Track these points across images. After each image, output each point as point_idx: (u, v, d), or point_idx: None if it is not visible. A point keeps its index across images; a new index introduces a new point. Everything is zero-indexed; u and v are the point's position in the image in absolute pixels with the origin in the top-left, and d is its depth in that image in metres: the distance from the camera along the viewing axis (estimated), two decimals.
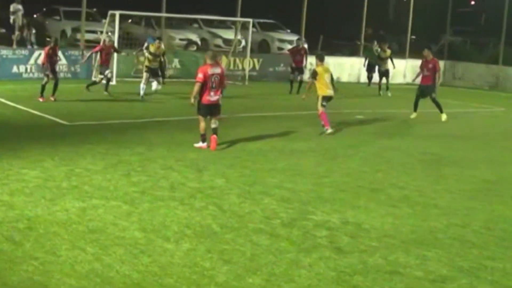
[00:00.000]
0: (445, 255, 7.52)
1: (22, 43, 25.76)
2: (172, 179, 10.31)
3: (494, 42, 35.86)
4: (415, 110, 19.06)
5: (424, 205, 9.68)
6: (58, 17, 29.96)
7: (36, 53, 23.54)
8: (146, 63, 20.00)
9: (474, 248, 7.82)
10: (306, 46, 26.22)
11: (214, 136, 12.69)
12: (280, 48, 31.47)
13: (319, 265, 6.99)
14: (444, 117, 18.62)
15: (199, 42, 30.26)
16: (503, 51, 32.79)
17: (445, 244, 7.91)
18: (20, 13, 26.37)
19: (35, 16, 30.90)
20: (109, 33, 22.52)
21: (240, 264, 6.89)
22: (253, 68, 28.23)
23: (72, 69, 24.43)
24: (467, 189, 10.83)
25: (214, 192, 9.71)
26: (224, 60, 25.82)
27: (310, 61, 24.94)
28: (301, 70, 24.55)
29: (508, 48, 33.11)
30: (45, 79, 18.27)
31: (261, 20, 31.72)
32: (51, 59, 18.44)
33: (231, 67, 27.12)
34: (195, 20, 32.03)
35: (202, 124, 12.83)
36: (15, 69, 23.28)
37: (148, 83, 19.99)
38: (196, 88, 12.58)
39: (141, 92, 19.59)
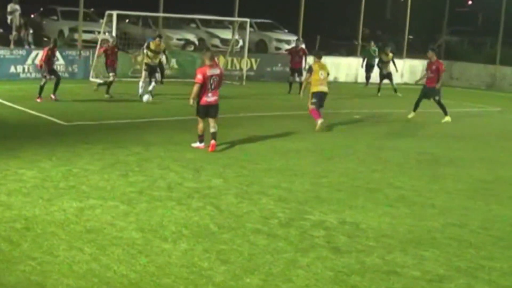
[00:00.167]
0: (442, 255, 7.53)
1: (19, 43, 25.73)
2: (169, 179, 10.31)
3: (491, 42, 35.95)
4: (414, 110, 19.04)
5: (421, 205, 9.69)
6: (55, 17, 29.92)
7: (33, 53, 23.55)
8: (146, 60, 19.93)
9: (471, 248, 7.84)
10: (303, 46, 26.21)
11: (213, 142, 12.61)
12: (277, 48, 31.47)
13: (317, 265, 6.99)
14: (447, 119, 18.64)
15: (196, 42, 30.26)
16: (500, 51, 32.85)
17: (442, 244, 7.92)
18: (17, 13, 26.32)
19: (32, 16, 30.84)
20: (111, 34, 22.51)
21: (238, 264, 6.90)
22: (251, 68, 28.25)
23: (70, 69, 24.45)
24: (464, 189, 10.85)
25: (211, 192, 9.71)
26: (221, 60, 25.85)
27: (309, 62, 24.90)
28: (300, 72, 24.47)
29: (505, 48, 33.19)
30: (43, 80, 18.25)
31: (259, 20, 31.74)
32: (49, 60, 18.41)
33: (229, 67, 27.13)
34: (193, 20, 32.02)
35: (200, 125, 12.80)
36: (12, 69, 23.29)
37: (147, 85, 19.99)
38: (195, 89, 12.52)
39: (140, 91, 19.61)
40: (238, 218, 8.48)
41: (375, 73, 28.16)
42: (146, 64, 19.83)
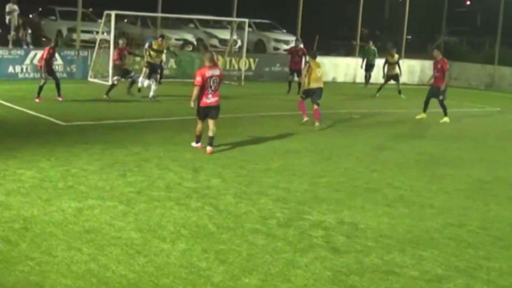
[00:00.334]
0: (441, 255, 7.53)
1: (17, 43, 25.71)
2: (168, 179, 10.31)
3: (490, 42, 35.97)
4: (424, 110, 19.04)
5: (420, 205, 9.69)
6: (54, 17, 29.91)
7: (31, 53, 23.52)
8: (148, 59, 20.05)
9: (470, 248, 7.84)
10: (302, 46, 26.20)
11: (210, 149, 12.45)
12: (276, 48, 31.48)
13: (315, 265, 6.99)
14: (445, 119, 18.65)
15: (195, 42, 30.26)
16: (498, 51, 32.86)
17: (441, 244, 7.93)
18: (15, 13, 26.33)
19: (30, 16, 30.86)
20: (122, 36, 22.51)
21: (236, 264, 6.89)
22: (249, 68, 28.23)
23: (68, 69, 24.40)
24: (462, 189, 10.86)
25: (210, 192, 9.71)
26: (220, 60, 25.82)
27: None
28: (299, 72, 24.43)
29: (503, 48, 33.22)
30: (43, 80, 18.23)
31: (257, 20, 31.73)
32: (50, 60, 18.39)
33: (227, 67, 27.10)
34: (191, 20, 32.01)
35: (199, 126, 12.73)
36: (10, 69, 23.25)
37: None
38: (195, 91, 12.41)
39: (139, 85, 19.75)
40: (237, 218, 8.48)
41: (375, 73, 28.19)
42: (148, 62, 19.94)
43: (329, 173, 11.42)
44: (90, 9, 30.46)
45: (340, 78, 30.73)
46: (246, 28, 27.14)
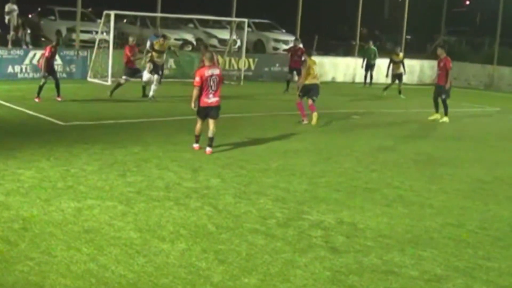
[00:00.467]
0: (440, 254, 7.54)
1: (17, 43, 25.72)
2: (167, 179, 10.31)
3: (489, 42, 35.99)
4: (436, 111, 18.99)
5: (420, 205, 9.70)
6: (53, 17, 29.91)
7: (31, 53, 23.52)
8: (151, 59, 20.04)
9: (469, 248, 7.85)
10: (301, 46, 26.20)
11: (209, 149, 12.45)
12: (275, 48, 31.48)
13: (315, 265, 7.00)
14: (445, 119, 18.64)
15: (194, 42, 30.25)
16: (498, 51, 32.89)
17: (440, 244, 7.93)
18: (15, 13, 26.33)
19: (30, 16, 30.84)
20: (132, 35, 22.50)
21: (236, 264, 6.90)
22: (249, 68, 28.23)
23: (68, 69, 24.40)
24: (462, 189, 10.86)
25: (209, 192, 9.71)
26: (219, 60, 25.82)
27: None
28: (298, 71, 24.44)
29: (503, 48, 33.24)
30: (43, 80, 18.22)
31: (256, 20, 31.73)
32: (51, 59, 18.38)
33: (227, 67, 27.11)
34: (190, 20, 32.01)
35: (198, 126, 12.69)
36: (10, 69, 23.24)
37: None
38: (195, 92, 12.37)
39: (144, 78, 19.74)
40: (236, 218, 8.48)
41: (375, 73, 28.21)
42: (151, 60, 19.93)
43: (328, 173, 11.42)
44: (90, 9, 30.48)
45: (340, 78, 30.73)
46: (246, 28, 27.15)
